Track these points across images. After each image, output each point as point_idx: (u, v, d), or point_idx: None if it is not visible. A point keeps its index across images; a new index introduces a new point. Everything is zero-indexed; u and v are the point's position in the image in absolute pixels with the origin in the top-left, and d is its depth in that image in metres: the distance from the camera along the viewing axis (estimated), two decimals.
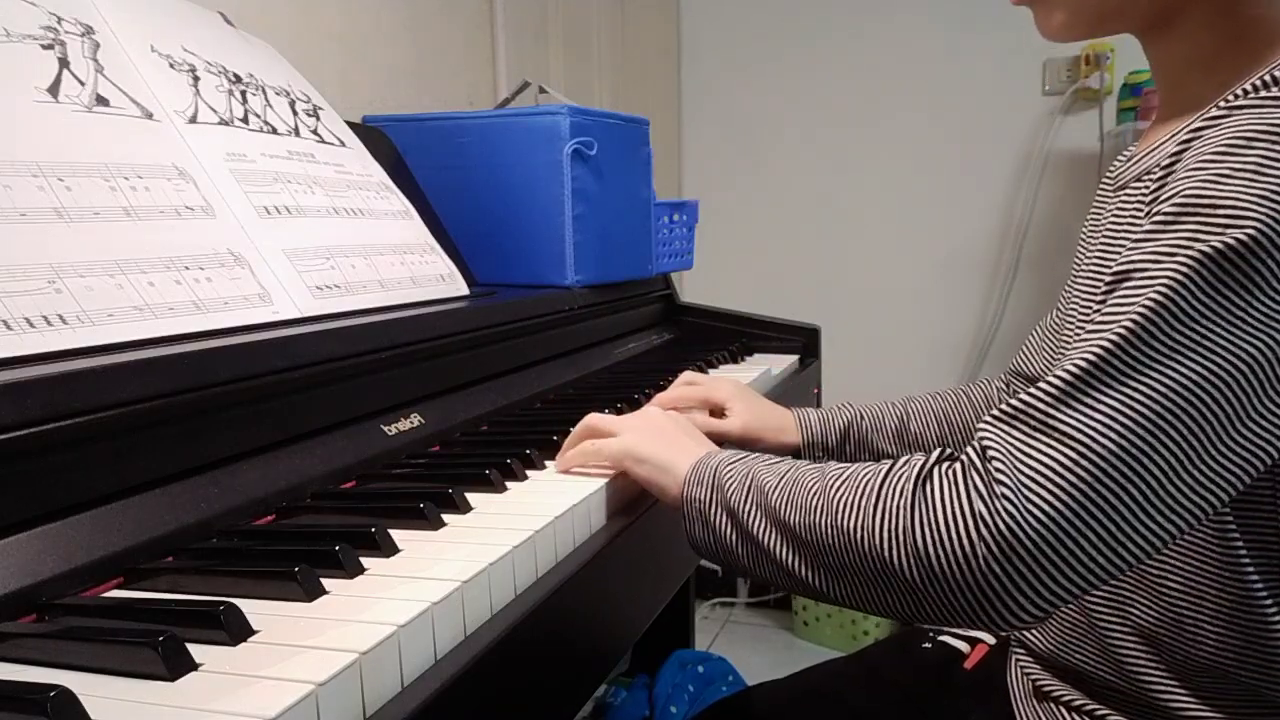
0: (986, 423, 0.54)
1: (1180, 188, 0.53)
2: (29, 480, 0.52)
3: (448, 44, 1.59)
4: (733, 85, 2.48)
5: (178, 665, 0.43)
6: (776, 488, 0.61)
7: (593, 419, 0.79)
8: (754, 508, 0.62)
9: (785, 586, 0.62)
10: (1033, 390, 0.52)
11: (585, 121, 1.18)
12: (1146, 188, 0.62)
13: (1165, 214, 0.53)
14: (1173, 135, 0.63)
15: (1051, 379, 0.51)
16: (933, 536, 0.51)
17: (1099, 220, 0.72)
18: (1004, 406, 0.53)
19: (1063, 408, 0.50)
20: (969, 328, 2.37)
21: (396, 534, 0.60)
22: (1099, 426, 0.49)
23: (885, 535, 0.53)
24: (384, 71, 1.43)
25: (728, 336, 1.48)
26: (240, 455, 0.66)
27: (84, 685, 0.41)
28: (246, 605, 0.49)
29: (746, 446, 0.95)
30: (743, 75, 2.47)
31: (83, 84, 0.73)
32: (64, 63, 0.73)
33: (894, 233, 2.40)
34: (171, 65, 0.84)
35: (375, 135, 1.16)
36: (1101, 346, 0.50)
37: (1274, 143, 0.51)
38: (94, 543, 0.54)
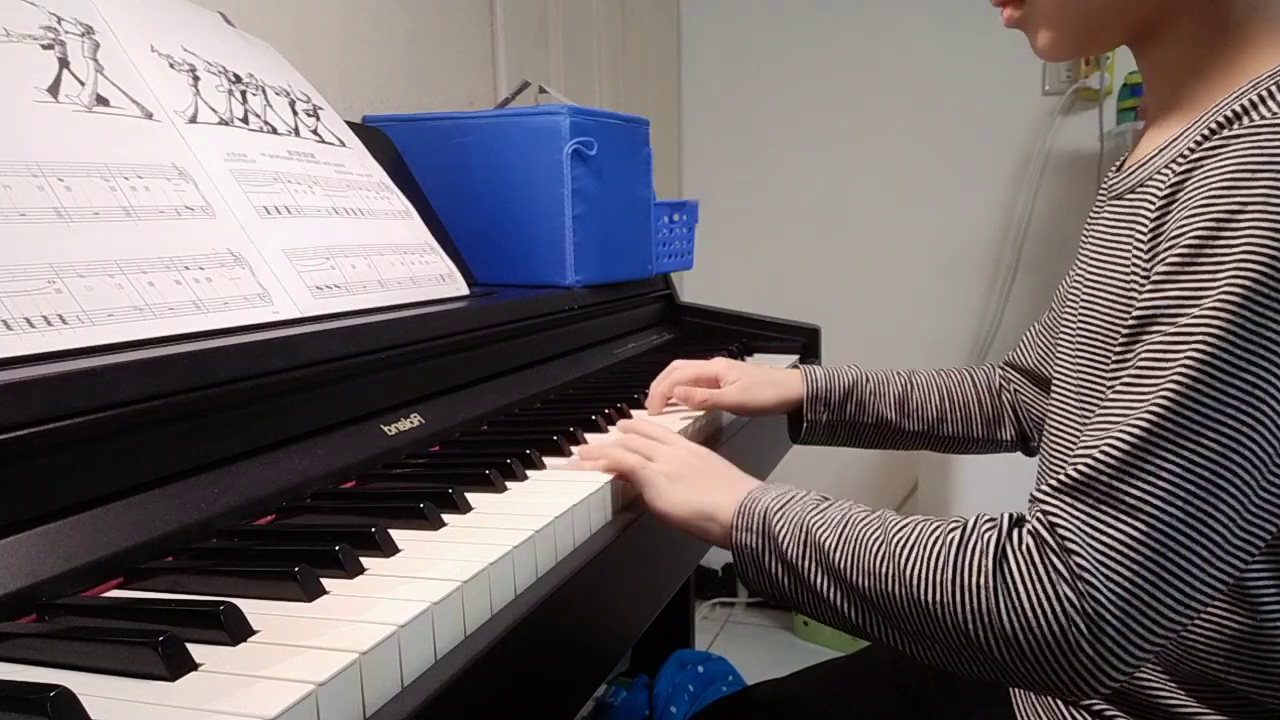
0: (1048, 494, 0.54)
1: (1191, 226, 0.54)
2: (29, 480, 0.52)
3: (448, 44, 1.59)
4: (733, 85, 2.48)
5: (178, 665, 0.43)
6: (837, 546, 0.59)
7: (631, 437, 0.78)
8: (813, 564, 0.61)
9: (851, 634, 0.61)
10: (1091, 460, 0.52)
11: (585, 121, 1.18)
12: (1144, 202, 0.62)
13: (1181, 254, 0.53)
14: (1163, 148, 0.64)
15: (1109, 447, 0.52)
16: (1021, 621, 0.52)
17: (1093, 229, 0.72)
18: (1064, 478, 0.53)
19: (1127, 478, 0.51)
20: (969, 328, 2.38)
21: (396, 534, 0.60)
22: (1165, 495, 0.50)
23: (969, 616, 0.53)
24: (384, 71, 1.43)
25: (728, 336, 1.48)
26: (240, 455, 0.66)
27: (84, 685, 0.41)
28: (246, 605, 0.48)
29: (744, 410, 0.97)
30: (743, 75, 2.47)
31: (83, 84, 0.73)
32: (64, 63, 0.73)
33: (894, 233, 2.40)
34: (171, 65, 0.84)
35: (375, 135, 1.16)
36: (1153, 411, 0.51)
37: (1278, 171, 0.51)
38: (94, 543, 0.54)
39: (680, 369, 0.99)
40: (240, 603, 0.48)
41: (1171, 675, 0.64)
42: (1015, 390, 0.97)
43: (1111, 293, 0.65)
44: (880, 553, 0.57)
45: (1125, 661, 0.51)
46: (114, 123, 0.74)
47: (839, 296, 2.42)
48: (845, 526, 0.60)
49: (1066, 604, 0.50)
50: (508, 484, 0.73)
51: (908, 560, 0.56)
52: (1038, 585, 0.51)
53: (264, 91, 0.93)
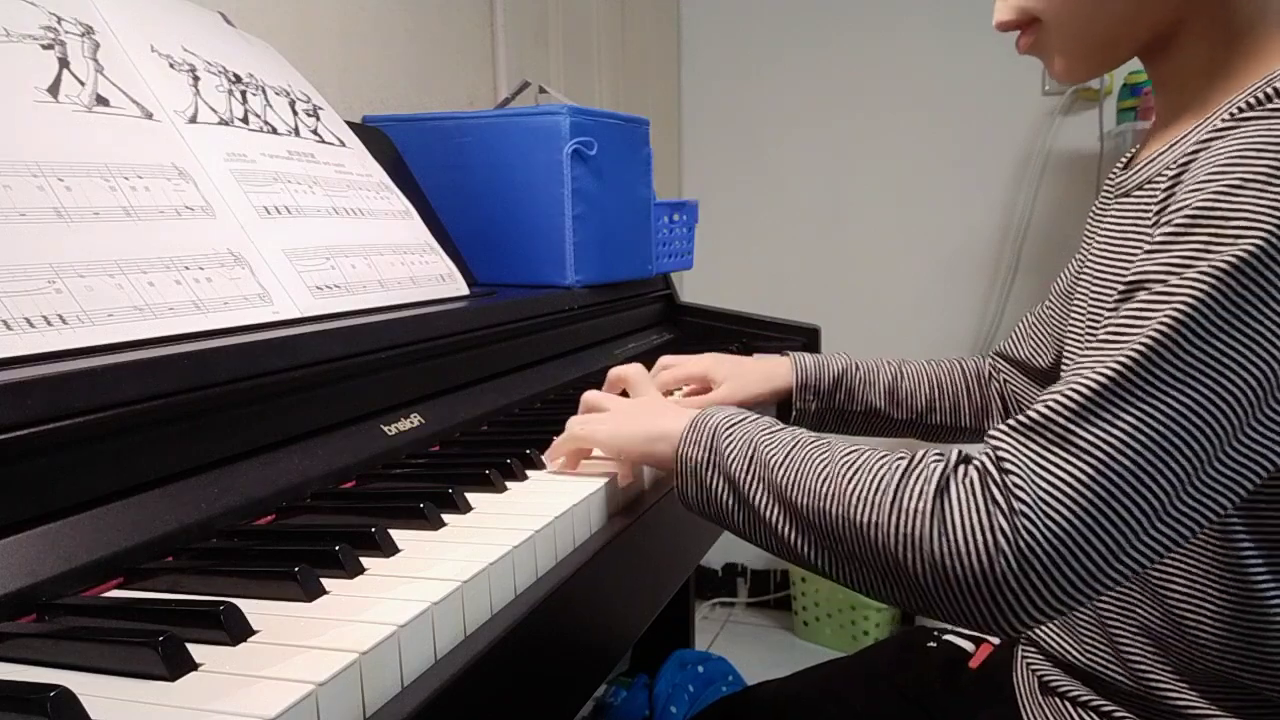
0: (1002, 432, 0.54)
1: (1191, 200, 0.54)
2: (29, 480, 0.52)
3: (448, 44, 1.59)
4: (733, 85, 2.48)
5: (178, 665, 0.43)
6: (781, 464, 0.59)
7: (589, 396, 0.81)
8: (755, 480, 0.61)
9: (782, 556, 0.61)
10: (1050, 403, 0.52)
11: (585, 121, 1.18)
12: (1152, 196, 0.62)
13: (1177, 225, 0.53)
14: (1174, 144, 0.64)
15: (1069, 391, 0.51)
16: (951, 548, 0.51)
17: (1100, 224, 0.72)
18: (1020, 418, 0.53)
19: (1081, 423, 0.51)
20: (969, 328, 2.37)
21: (396, 534, 0.60)
22: (1116, 443, 0.50)
23: (901, 539, 0.53)
24: (384, 71, 1.43)
25: (728, 336, 1.48)
26: (240, 455, 0.66)
27: (84, 685, 0.41)
28: (246, 605, 0.48)
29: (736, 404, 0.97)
30: (743, 75, 2.47)
31: (83, 84, 0.73)
32: (64, 63, 0.73)
33: (894, 233, 2.40)
34: (171, 65, 0.84)
35: (375, 135, 1.16)
36: (1120, 362, 0.51)
37: None
38: (94, 543, 0.54)
39: (666, 369, 0.98)
40: (240, 603, 0.48)
41: (1181, 675, 0.64)
42: (1005, 380, 0.97)
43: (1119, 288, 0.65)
44: (824, 473, 0.57)
45: (1048, 603, 0.51)
46: (114, 123, 0.74)
47: (839, 296, 2.42)
48: (794, 447, 0.60)
49: (999, 534, 0.50)
50: (508, 484, 0.73)
51: (849, 482, 0.56)
52: (973, 514, 0.51)
53: (264, 91, 0.93)
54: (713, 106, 2.51)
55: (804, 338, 1.50)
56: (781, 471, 0.59)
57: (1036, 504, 0.50)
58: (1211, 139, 0.56)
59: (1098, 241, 0.71)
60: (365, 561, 0.56)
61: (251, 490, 0.65)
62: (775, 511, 0.60)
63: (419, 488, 0.71)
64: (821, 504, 0.57)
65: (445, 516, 0.65)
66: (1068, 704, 0.70)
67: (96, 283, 0.64)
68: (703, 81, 2.51)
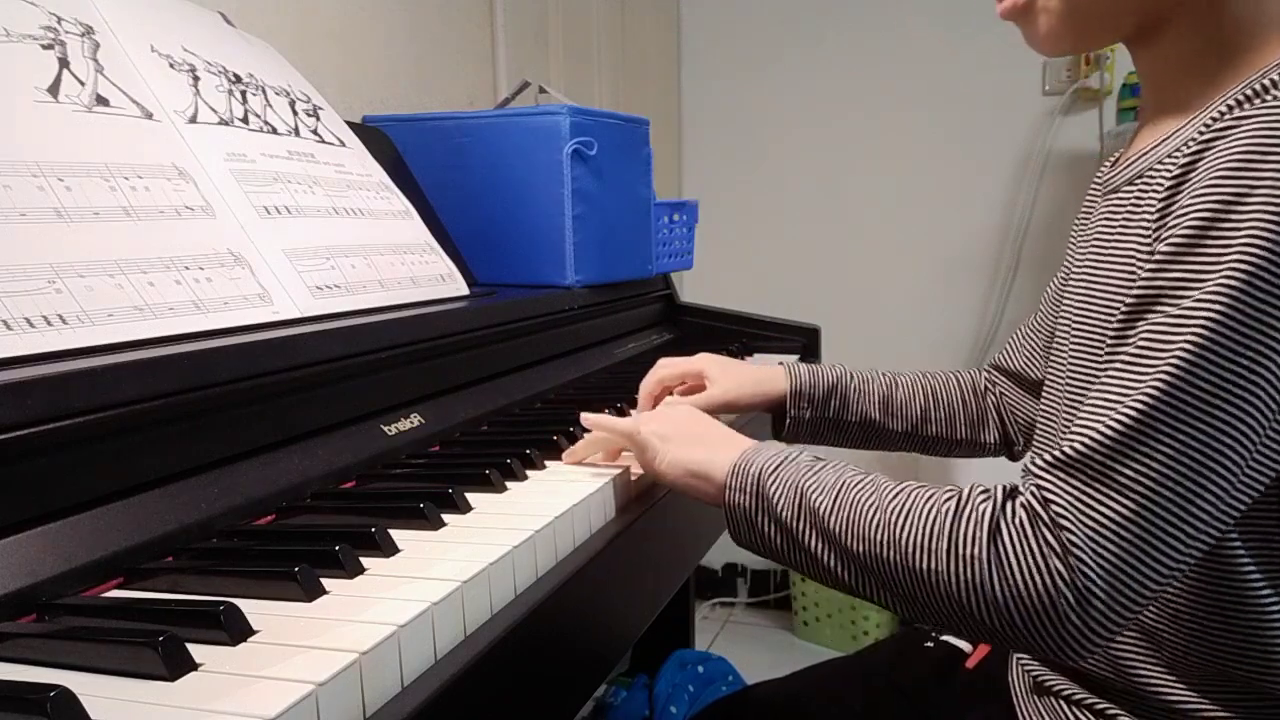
0: (1044, 468, 0.55)
1: (1198, 206, 0.54)
2: (29, 480, 0.52)
3: (448, 44, 1.59)
4: (733, 85, 2.48)
5: (178, 665, 0.43)
6: (831, 509, 0.60)
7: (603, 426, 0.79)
8: (808, 527, 0.61)
9: (842, 591, 0.62)
10: (1088, 437, 0.53)
11: (585, 121, 1.18)
12: (1145, 191, 0.62)
13: (1185, 235, 0.53)
14: (1165, 140, 0.64)
15: (1106, 425, 0.53)
16: (1012, 591, 0.53)
17: (1087, 224, 0.72)
18: (1059, 454, 0.54)
19: (1121, 458, 0.52)
20: (969, 328, 2.38)
21: (396, 534, 0.60)
22: (1157, 476, 0.51)
23: (962, 585, 0.54)
24: (384, 71, 1.43)
25: (728, 336, 1.48)
26: (240, 455, 0.66)
27: (84, 685, 0.41)
28: (246, 605, 0.49)
29: (732, 409, 0.97)
30: (743, 75, 2.47)
31: (83, 84, 0.73)
32: (64, 63, 0.73)
33: (894, 232, 2.40)
34: (171, 65, 0.84)
35: (375, 135, 1.16)
36: (1150, 391, 0.52)
37: None
38: (94, 543, 0.54)
39: (665, 367, 0.98)
40: (240, 603, 0.48)
41: (1172, 670, 0.65)
42: (1001, 393, 0.97)
43: (1114, 283, 0.65)
44: (875, 519, 0.58)
45: (1109, 629, 0.52)
46: (114, 123, 0.74)
47: (839, 296, 2.42)
48: (840, 490, 0.61)
49: (1057, 577, 0.52)
50: (508, 484, 0.73)
51: (903, 528, 0.57)
52: (1029, 558, 0.53)
53: (264, 91, 0.93)
54: (713, 106, 2.51)
55: (804, 338, 1.50)
56: (832, 518, 0.60)
57: (1087, 543, 0.51)
58: (1213, 138, 0.55)
59: (1088, 241, 0.71)
60: (365, 561, 0.56)
61: (251, 490, 0.65)
62: (831, 557, 0.61)
63: (419, 488, 0.71)
64: (877, 551, 0.58)
65: (445, 516, 0.65)
66: (1061, 702, 0.71)
67: (96, 283, 0.64)
68: (703, 81, 2.51)
